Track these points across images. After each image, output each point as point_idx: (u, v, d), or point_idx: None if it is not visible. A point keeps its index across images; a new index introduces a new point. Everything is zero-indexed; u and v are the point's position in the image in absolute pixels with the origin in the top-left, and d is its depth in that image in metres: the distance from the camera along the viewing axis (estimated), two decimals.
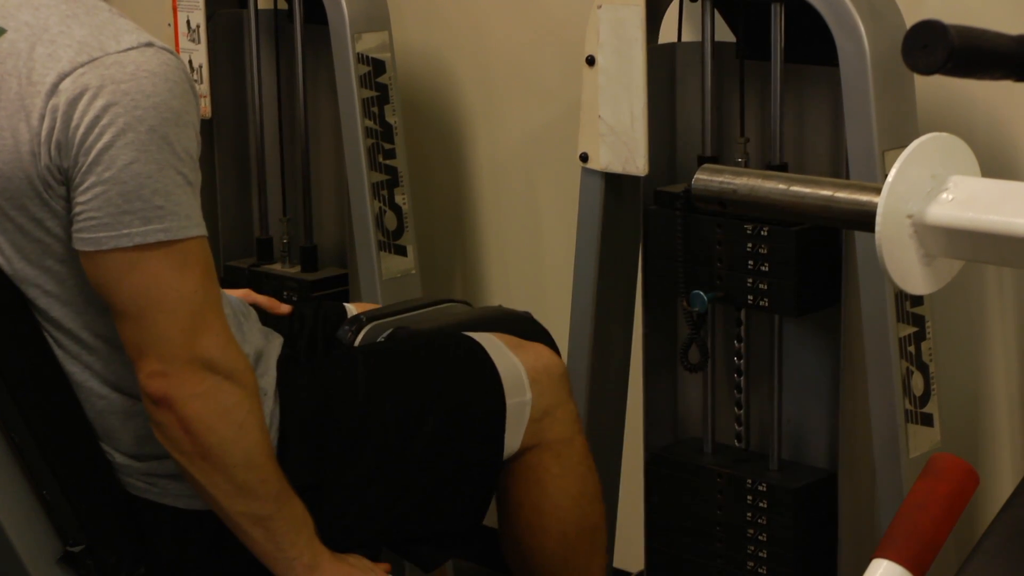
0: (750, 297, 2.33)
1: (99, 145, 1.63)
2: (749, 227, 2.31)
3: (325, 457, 1.88)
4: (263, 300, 2.14)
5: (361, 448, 1.92)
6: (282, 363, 1.89)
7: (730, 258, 2.34)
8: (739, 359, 2.46)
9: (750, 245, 2.31)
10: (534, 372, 2.07)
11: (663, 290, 2.48)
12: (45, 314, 1.74)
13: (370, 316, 2.14)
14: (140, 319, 1.66)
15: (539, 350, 2.12)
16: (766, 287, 2.31)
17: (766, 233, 2.29)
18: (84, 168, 1.64)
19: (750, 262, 2.32)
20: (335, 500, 1.88)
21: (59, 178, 1.66)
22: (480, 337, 2.09)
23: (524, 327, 2.20)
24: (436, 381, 2.03)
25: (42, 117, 1.64)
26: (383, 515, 1.95)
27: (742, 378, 2.46)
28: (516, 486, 2.08)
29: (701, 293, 2.35)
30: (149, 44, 1.67)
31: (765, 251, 2.30)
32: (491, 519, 2.14)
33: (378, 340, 2.10)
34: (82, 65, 1.64)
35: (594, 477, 2.14)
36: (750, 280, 2.33)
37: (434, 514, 2.01)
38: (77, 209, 1.65)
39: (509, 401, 2.03)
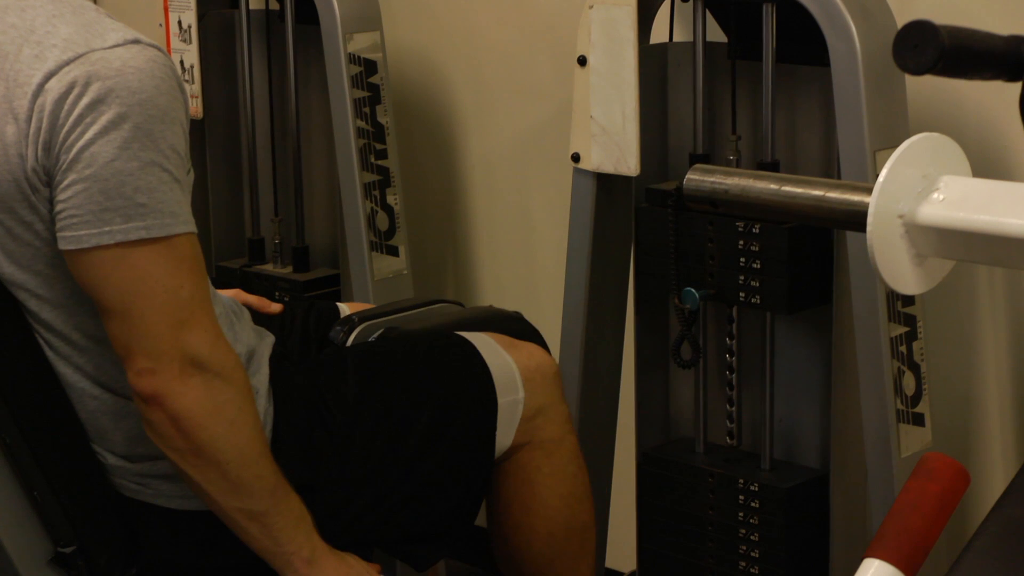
0: (742, 294, 2.33)
1: (81, 142, 1.62)
2: (741, 224, 2.31)
3: (317, 456, 1.88)
4: (254, 300, 2.14)
5: (352, 448, 1.91)
6: (274, 361, 1.89)
7: (722, 255, 2.34)
8: (731, 356, 2.46)
9: (742, 242, 2.32)
10: (526, 371, 2.07)
11: (655, 288, 2.48)
12: (36, 316, 1.74)
13: (362, 316, 2.14)
14: (127, 316, 1.66)
15: (531, 349, 2.12)
16: (758, 284, 2.31)
17: (758, 230, 2.30)
18: (65, 166, 1.63)
19: (742, 259, 2.32)
20: (328, 499, 1.88)
21: (44, 179, 1.65)
22: (472, 336, 2.09)
23: (515, 327, 2.21)
24: (428, 380, 2.03)
25: (29, 118, 1.63)
26: (376, 514, 1.95)
27: (734, 375, 2.46)
28: (506, 484, 2.08)
29: (693, 290, 2.36)
30: (136, 41, 1.67)
31: (757, 248, 2.30)
32: (482, 519, 2.14)
33: (369, 340, 2.10)
34: (68, 63, 1.63)
35: (584, 477, 2.14)
36: (742, 277, 2.33)
37: (427, 513, 2.00)
38: (58, 208, 1.64)
39: (501, 400, 2.03)
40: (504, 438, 2.05)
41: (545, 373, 2.10)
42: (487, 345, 2.08)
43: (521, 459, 2.07)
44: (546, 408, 2.08)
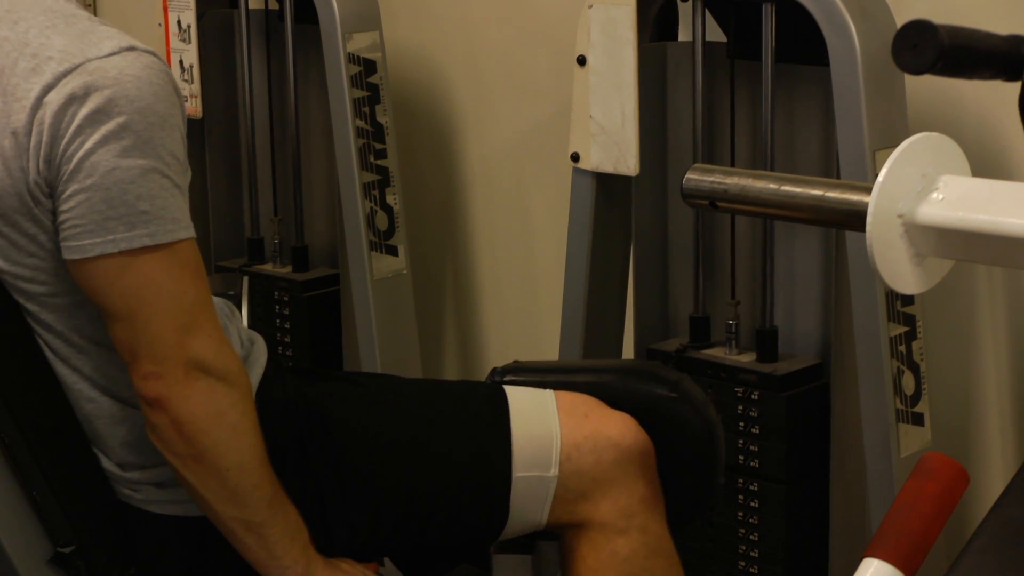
0: (740, 458, 2.35)
1: (81, 152, 1.62)
2: (740, 390, 2.33)
3: (293, 471, 1.84)
4: None
5: (308, 483, 1.86)
6: (268, 373, 1.87)
7: (721, 419, 2.34)
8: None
9: (741, 407, 2.33)
10: (574, 448, 1.85)
11: None
12: (35, 317, 1.74)
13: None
14: (132, 321, 1.66)
15: (607, 423, 1.88)
16: (756, 450, 2.33)
17: (756, 397, 2.31)
18: (66, 176, 1.63)
19: (740, 424, 2.33)
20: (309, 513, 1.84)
21: (46, 191, 1.65)
22: (524, 392, 1.92)
23: (648, 391, 1.93)
24: (428, 427, 1.90)
25: (28, 132, 1.63)
26: (357, 533, 1.90)
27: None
28: (561, 561, 1.92)
29: None
30: (131, 48, 1.66)
31: (756, 414, 2.31)
32: None
33: (494, 378, 1.97)
34: (65, 74, 1.63)
35: None
36: (740, 442, 2.34)
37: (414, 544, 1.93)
38: (62, 218, 1.65)
39: (517, 474, 1.85)
40: (529, 514, 1.87)
41: (603, 454, 1.85)
42: (538, 406, 1.89)
43: (569, 541, 1.88)
44: (595, 492, 1.85)
